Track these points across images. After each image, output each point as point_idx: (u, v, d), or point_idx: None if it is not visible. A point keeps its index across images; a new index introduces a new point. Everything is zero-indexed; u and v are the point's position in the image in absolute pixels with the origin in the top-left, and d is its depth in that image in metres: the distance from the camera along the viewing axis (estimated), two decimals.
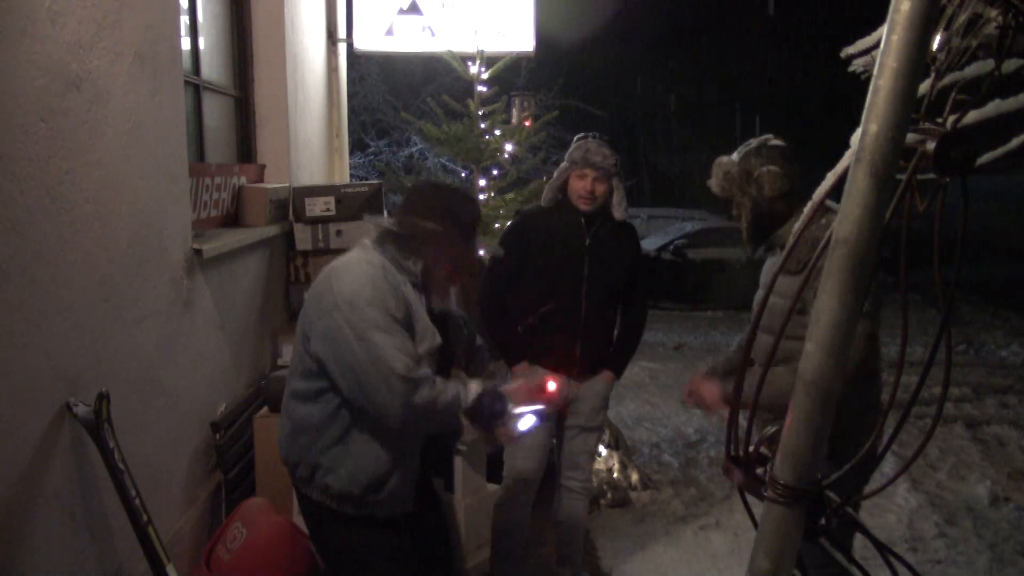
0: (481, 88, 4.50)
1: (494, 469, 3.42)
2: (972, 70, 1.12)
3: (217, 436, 3.08)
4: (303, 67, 4.58)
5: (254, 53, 4.20)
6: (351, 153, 7.59)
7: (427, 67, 12.40)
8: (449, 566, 2.44)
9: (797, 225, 1.48)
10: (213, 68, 3.86)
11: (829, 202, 2.01)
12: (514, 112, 4.84)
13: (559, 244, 3.00)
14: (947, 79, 1.12)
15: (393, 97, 12.95)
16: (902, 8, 1.00)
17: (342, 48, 5.43)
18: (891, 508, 4.11)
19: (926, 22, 1.00)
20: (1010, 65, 1.09)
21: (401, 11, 5.10)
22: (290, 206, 4.07)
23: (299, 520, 2.93)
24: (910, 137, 1.07)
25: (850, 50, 1.34)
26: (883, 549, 1.23)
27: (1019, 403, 6.16)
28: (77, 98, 2.14)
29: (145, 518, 2.23)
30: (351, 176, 6.72)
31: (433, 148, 4.61)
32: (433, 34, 5.07)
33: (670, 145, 22.78)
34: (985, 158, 1.16)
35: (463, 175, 5.08)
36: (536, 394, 2.15)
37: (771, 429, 1.28)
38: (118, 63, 2.37)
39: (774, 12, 19.62)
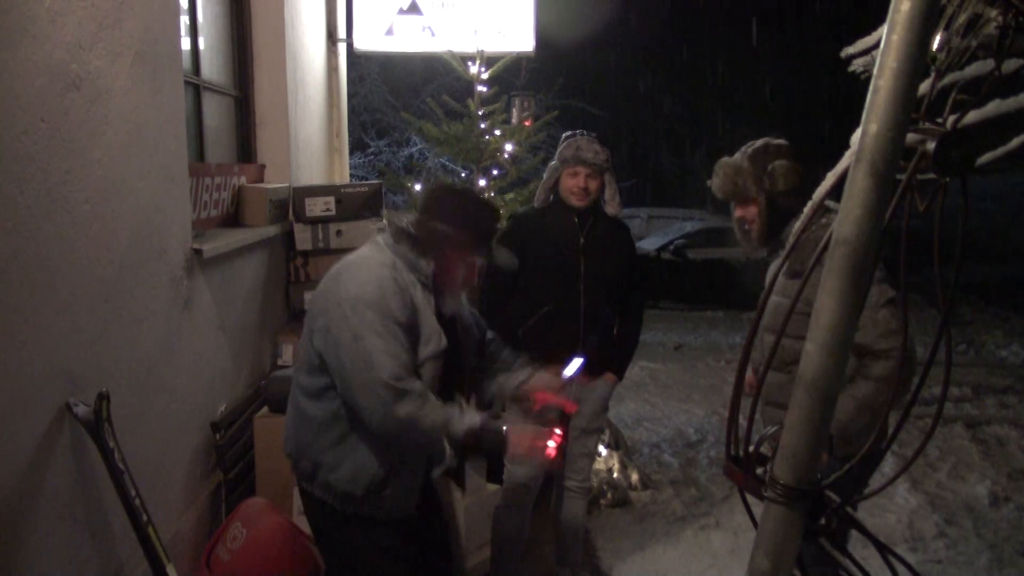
0: (481, 88, 4.50)
1: (494, 469, 3.42)
2: (972, 70, 1.12)
3: (217, 436, 3.08)
4: (303, 67, 4.58)
5: (254, 53, 4.20)
6: (351, 153, 7.59)
7: (427, 67, 12.40)
8: (448, 570, 2.43)
9: (797, 225, 1.48)
10: (213, 68, 3.86)
11: (829, 202, 2.01)
12: (514, 112, 4.84)
13: (554, 245, 3.01)
14: (947, 79, 1.12)
15: (393, 97, 12.96)
16: (902, 8, 1.00)
17: (342, 48, 5.43)
18: (891, 508, 4.11)
19: (926, 22, 1.00)
20: (1010, 65, 1.09)
21: (401, 11, 5.10)
22: (290, 206, 4.07)
23: (299, 520, 2.94)
24: (910, 137, 1.07)
25: (850, 50, 1.34)
26: (883, 549, 1.23)
27: (1019, 403, 6.16)
28: (77, 98, 2.14)
29: (145, 518, 2.23)
30: (351, 176, 6.72)
31: (433, 148, 4.61)
32: (433, 34, 5.07)
33: (670, 145, 22.77)
34: (985, 158, 1.16)
35: (463, 175, 5.08)
36: (537, 447, 2.08)
37: (771, 429, 1.29)
38: (118, 63, 2.37)
39: (774, 11, 19.62)
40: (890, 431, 1.28)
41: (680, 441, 5.20)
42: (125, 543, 2.34)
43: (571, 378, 2.31)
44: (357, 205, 4.06)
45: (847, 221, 1.06)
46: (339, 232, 4.01)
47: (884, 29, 1.03)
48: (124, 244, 2.41)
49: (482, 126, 4.44)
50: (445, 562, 2.42)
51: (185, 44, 3.31)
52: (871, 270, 1.07)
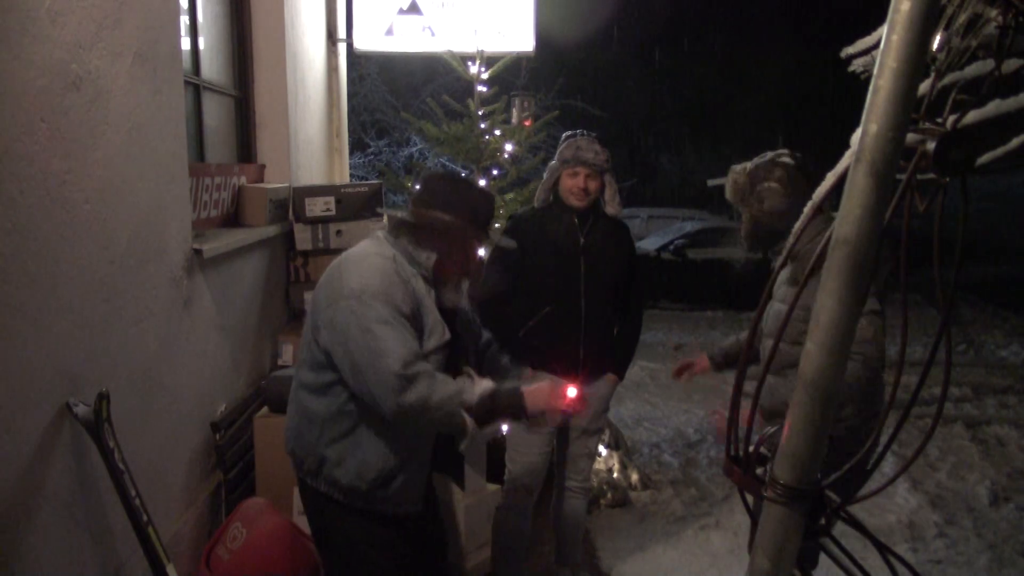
0: (481, 88, 4.50)
1: (494, 469, 3.42)
2: (972, 70, 1.12)
3: (217, 436, 3.08)
4: (303, 67, 4.58)
5: (254, 53, 4.20)
6: (351, 153, 7.59)
7: (427, 67, 12.40)
8: (444, 568, 2.44)
9: (797, 225, 1.48)
10: (213, 68, 3.86)
11: (834, 212, 2.03)
12: (514, 112, 4.83)
13: (554, 246, 3.00)
14: (947, 79, 1.12)
15: (393, 97, 12.96)
16: (902, 8, 1.00)
17: (342, 48, 5.42)
18: (891, 508, 4.11)
19: (926, 22, 1.00)
20: (1010, 65, 1.09)
21: (401, 11, 5.10)
22: (290, 206, 4.07)
23: (299, 520, 2.94)
24: (910, 137, 1.07)
25: (850, 50, 1.34)
26: (883, 549, 1.23)
27: (1019, 403, 6.16)
28: (77, 98, 2.14)
29: (145, 518, 2.23)
30: (351, 176, 6.72)
31: (433, 148, 4.60)
32: (433, 34, 5.06)
33: (670, 145, 22.76)
34: (985, 158, 1.16)
35: (463, 175, 5.08)
36: (555, 400, 2.08)
37: (771, 429, 1.29)
38: (118, 63, 2.37)
39: (775, 8, 19.64)
40: (890, 431, 1.28)
41: (680, 441, 5.20)
42: (125, 543, 2.34)
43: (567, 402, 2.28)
44: (357, 205, 4.06)
45: (847, 221, 1.06)
46: (339, 232, 4.01)
47: (884, 29, 1.03)
48: (124, 244, 2.41)
49: (482, 126, 4.43)
50: (441, 560, 2.42)
51: (185, 44, 3.31)
52: (871, 270, 1.07)
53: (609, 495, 4.12)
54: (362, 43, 5.18)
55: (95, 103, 2.23)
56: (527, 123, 4.76)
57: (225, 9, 4.02)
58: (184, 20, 3.36)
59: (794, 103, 19.71)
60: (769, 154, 2.55)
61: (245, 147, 4.19)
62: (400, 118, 9.60)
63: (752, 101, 20.30)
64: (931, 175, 1.09)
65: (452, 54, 4.55)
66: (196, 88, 3.57)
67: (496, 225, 4.32)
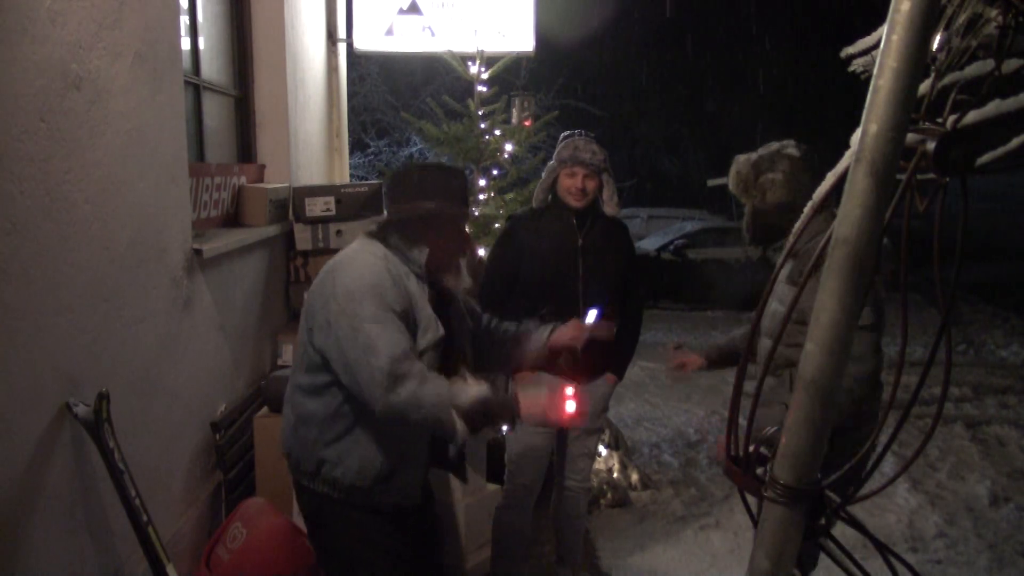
0: (481, 88, 4.50)
1: (494, 469, 3.42)
2: (972, 70, 1.12)
3: (217, 436, 3.08)
4: (303, 67, 4.58)
5: (254, 53, 4.20)
6: (351, 153, 7.59)
7: (427, 67, 12.41)
8: (439, 565, 2.44)
9: (798, 224, 1.48)
10: (213, 68, 3.86)
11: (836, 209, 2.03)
12: (514, 112, 4.83)
13: (552, 246, 3.00)
14: (947, 79, 1.12)
15: (393, 97, 12.96)
16: (902, 8, 1.00)
17: (342, 48, 5.43)
18: (891, 508, 4.11)
19: (926, 22, 1.00)
20: (1010, 65, 1.09)
21: (401, 11, 5.10)
22: (290, 206, 4.07)
23: (299, 520, 2.93)
24: (910, 137, 1.07)
25: (850, 50, 1.34)
26: (883, 549, 1.23)
27: (1019, 403, 6.15)
28: (77, 98, 2.14)
29: (145, 518, 2.23)
30: (351, 176, 6.72)
31: (433, 148, 4.59)
32: (433, 34, 5.07)
33: (670, 145, 22.76)
34: (985, 158, 1.16)
35: (467, 182, 5.08)
36: (552, 412, 2.03)
37: (771, 429, 1.29)
38: (118, 63, 2.37)
39: (775, 11, 19.63)
40: (890, 431, 1.28)
41: (680, 441, 5.20)
42: (125, 543, 2.34)
43: (591, 326, 2.30)
44: (357, 205, 4.06)
45: (847, 221, 1.06)
46: (339, 232, 4.01)
47: (884, 29, 1.03)
48: (124, 244, 2.41)
49: (482, 126, 4.43)
50: (437, 558, 2.42)
51: (185, 44, 3.31)
52: (871, 270, 1.07)
53: (609, 495, 4.12)
54: (362, 43, 5.18)
55: (95, 103, 2.23)
56: (527, 123, 4.76)
57: (225, 9, 4.02)
58: (184, 20, 3.36)
59: (794, 103, 19.72)
60: (775, 145, 2.50)
61: (245, 147, 4.19)
62: (400, 118, 9.60)
63: (752, 101, 20.30)
64: (931, 175, 1.09)
65: (452, 54, 4.55)
66: (196, 88, 3.57)
67: (496, 226, 4.32)
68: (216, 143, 3.86)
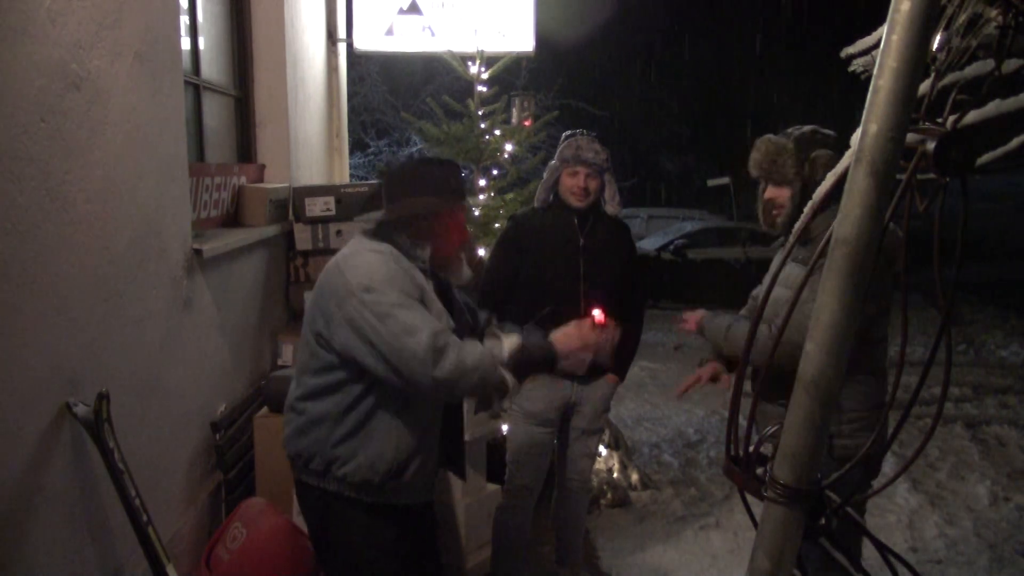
0: (481, 88, 4.50)
1: (495, 469, 3.42)
2: (972, 70, 1.12)
3: (217, 436, 3.08)
4: (303, 67, 4.58)
5: (254, 53, 4.20)
6: (351, 153, 7.58)
7: (427, 67, 12.40)
8: (439, 565, 2.44)
9: (797, 225, 1.48)
10: (213, 68, 3.86)
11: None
12: (514, 112, 4.83)
13: (554, 245, 3.00)
14: (947, 79, 1.12)
15: (393, 97, 12.96)
16: (902, 8, 1.00)
17: (342, 48, 5.42)
18: (891, 508, 4.11)
19: (926, 22, 1.00)
20: (1010, 65, 1.09)
21: (401, 11, 5.10)
22: (290, 206, 4.07)
23: (299, 520, 2.93)
24: (910, 137, 1.07)
25: (850, 50, 1.34)
26: (883, 549, 1.23)
27: (1019, 403, 6.16)
28: (77, 98, 2.14)
29: (145, 518, 2.23)
30: (351, 176, 6.71)
31: (433, 148, 4.59)
32: (433, 34, 5.06)
33: (670, 145, 22.76)
34: (985, 158, 1.16)
35: (463, 175, 5.08)
36: (586, 335, 2.09)
37: (771, 429, 1.29)
38: (118, 63, 2.37)
39: (776, 11, 19.64)
40: (890, 431, 1.28)
41: (680, 441, 5.20)
42: (125, 543, 2.34)
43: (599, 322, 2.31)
44: (357, 205, 4.06)
45: (847, 221, 1.06)
46: (339, 232, 4.01)
47: (884, 29, 1.03)
48: (124, 244, 2.41)
49: (482, 126, 4.43)
50: (437, 557, 2.42)
51: (185, 44, 3.31)
52: (871, 270, 1.07)
53: (609, 495, 4.12)
54: (362, 43, 5.18)
55: (95, 103, 2.23)
56: (527, 123, 4.76)
57: (225, 9, 4.02)
58: (184, 20, 3.36)
59: (794, 103, 19.72)
60: (805, 127, 2.43)
61: (245, 147, 4.19)
62: (400, 118, 9.59)
63: (752, 101, 20.30)
64: (931, 175, 1.09)
65: (452, 54, 4.55)
66: (196, 88, 3.57)
67: (496, 226, 4.33)
68: (216, 143, 3.86)
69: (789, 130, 2.45)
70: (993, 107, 1.14)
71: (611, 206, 3.05)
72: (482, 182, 4.50)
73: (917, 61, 1.01)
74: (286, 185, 4.09)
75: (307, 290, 4.05)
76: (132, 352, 2.47)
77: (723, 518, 4.00)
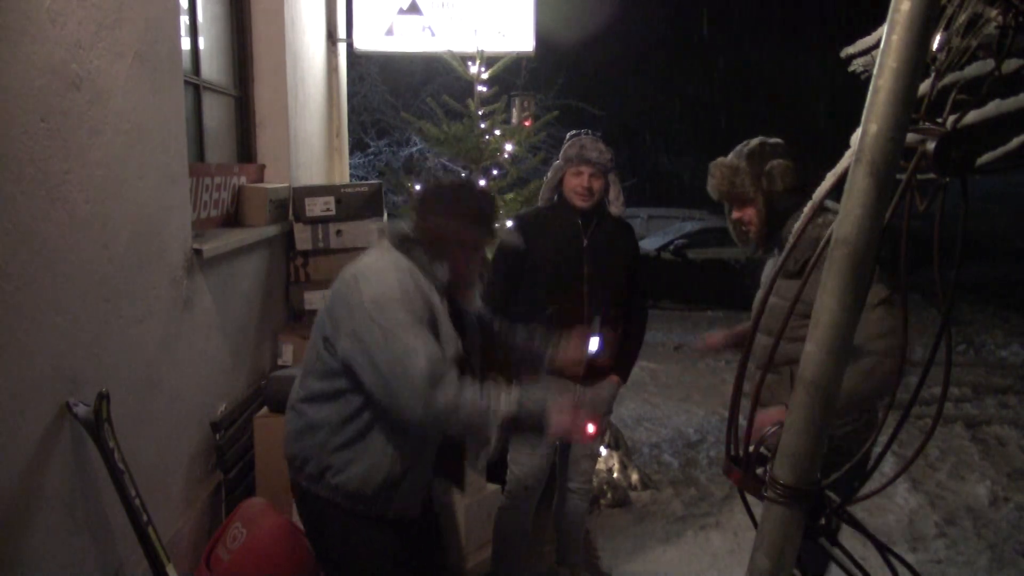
0: (481, 88, 4.50)
1: (495, 469, 3.42)
2: (972, 70, 1.12)
3: (217, 436, 3.08)
4: (303, 67, 4.58)
5: (254, 53, 4.20)
6: (351, 153, 7.59)
7: (427, 67, 12.39)
8: (438, 566, 2.44)
9: (797, 225, 1.48)
10: (213, 68, 3.86)
11: (828, 202, 2.01)
12: (514, 112, 4.83)
13: (557, 246, 2.99)
14: (947, 79, 1.12)
15: (393, 97, 12.94)
16: (902, 8, 1.00)
17: (342, 48, 5.42)
18: (891, 508, 4.11)
19: (926, 22, 1.00)
20: (1010, 65, 1.09)
21: (401, 11, 5.10)
22: (290, 206, 4.07)
23: (299, 520, 2.93)
24: (910, 137, 1.07)
25: (850, 50, 1.34)
26: (883, 549, 1.23)
27: (1019, 403, 6.16)
28: (77, 98, 2.14)
29: (145, 518, 2.23)
30: (351, 176, 6.72)
31: (433, 148, 4.60)
32: (433, 34, 5.06)
33: (670, 145, 22.77)
34: (985, 158, 1.16)
35: (463, 175, 5.08)
36: (575, 431, 2.07)
37: (771, 429, 1.29)
38: (118, 63, 2.37)
39: (775, 11, 19.64)
40: (890, 431, 1.28)
41: (680, 441, 5.20)
42: (125, 543, 2.34)
43: (593, 355, 2.36)
44: (357, 205, 4.06)
45: (847, 221, 1.06)
46: (339, 232, 4.01)
47: (884, 29, 1.03)
48: (124, 244, 2.41)
49: (482, 126, 4.43)
50: (438, 563, 2.43)
51: (185, 44, 3.31)
52: (871, 270, 1.07)
53: (609, 495, 4.12)
54: (362, 43, 5.18)
55: (95, 103, 2.23)
56: (527, 123, 4.76)
57: (225, 9, 4.02)
58: (184, 20, 3.36)
59: (794, 103, 19.72)
60: (752, 141, 2.43)
61: (245, 147, 4.19)
62: (400, 118, 9.60)
63: (752, 101, 20.30)
64: (931, 175, 1.09)
65: (452, 54, 4.55)
66: (196, 88, 3.57)
67: (496, 226, 4.32)
68: (216, 143, 3.86)
69: (738, 148, 2.45)
70: (993, 107, 1.14)
71: (615, 206, 3.05)
72: (482, 182, 4.50)
73: (917, 61, 1.01)
74: (286, 185, 4.09)
75: (307, 290, 4.05)
76: (132, 352, 2.47)
77: (723, 518, 4.00)
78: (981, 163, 1.14)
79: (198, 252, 2.93)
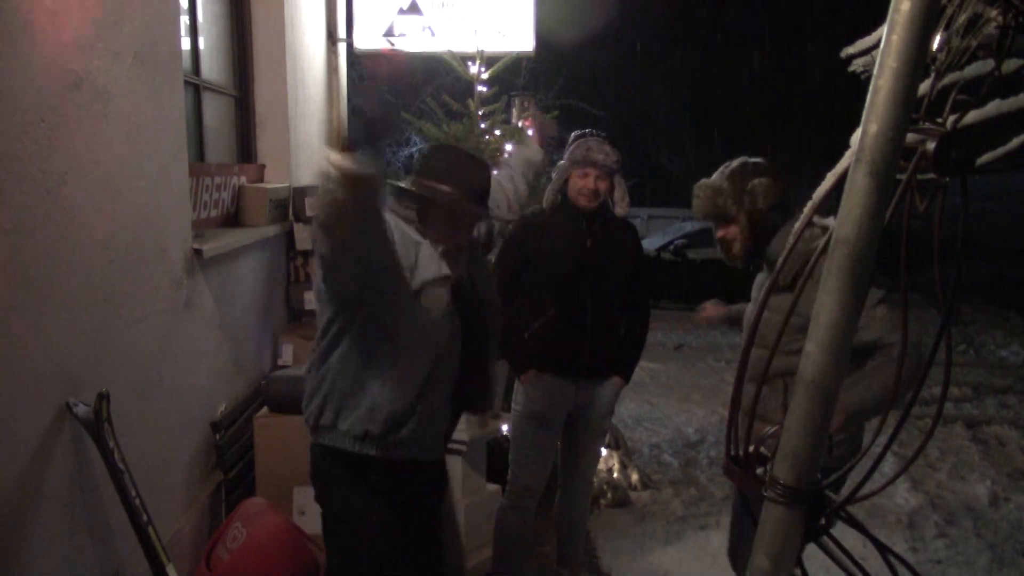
0: (481, 88, 4.49)
1: (495, 469, 3.42)
2: (972, 70, 1.12)
3: (217, 436, 3.08)
4: (303, 67, 4.58)
5: (254, 53, 4.20)
6: None
7: (427, 67, 12.39)
8: (440, 562, 2.43)
9: (798, 225, 1.48)
10: (213, 68, 3.86)
11: (816, 218, 2.03)
12: (514, 112, 4.82)
13: (561, 247, 2.99)
14: (947, 79, 1.12)
15: (393, 97, 12.93)
16: (902, 8, 1.00)
17: (342, 48, 5.42)
18: (891, 508, 4.11)
19: (926, 22, 1.00)
20: (1010, 65, 1.09)
21: (401, 11, 5.10)
22: (290, 206, 4.07)
23: (299, 520, 2.94)
24: (910, 137, 1.07)
25: (850, 50, 1.33)
26: (883, 549, 1.23)
27: (1019, 403, 6.16)
28: (77, 98, 2.14)
29: (145, 518, 2.23)
30: None
31: None
32: (433, 34, 5.06)
33: (670, 145, 22.76)
34: (985, 158, 1.16)
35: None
36: None
37: (771, 429, 1.29)
38: (118, 63, 2.37)
39: (775, 11, 19.64)
40: (890, 431, 1.28)
41: (680, 441, 5.20)
42: (125, 543, 2.34)
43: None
44: None
45: (847, 221, 1.06)
46: None
47: (884, 29, 1.03)
48: (124, 244, 2.41)
49: (482, 126, 4.43)
50: (439, 552, 2.42)
51: (185, 44, 3.31)
52: (871, 270, 1.07)
53: (609, 495, 4.12)
54: (362, 43, 5.17)
55: (95, 103, 2.23)
56: (527, 123, 4.75)
57: (225, 9, 4.02)
58: (184, 20, 3.36)
59: (794, 103, 19.71)
60: (733, 162, 2.50)
61: (245, 147, 4.18)
62: (400, 118, 9.58)
63: (752, 101, 20.30)
64: (931, 175, 1.09)
65: (452, 54, 4.55)
66: (196, 88, 3.57)
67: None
68: (216, 143, 3.86)
69: (721, 168, 2.52)
70: (993, 107, 1.13)
71: (620, 208, 3.04)
72: None
73: (917, 61, 1.01)
74: (286, 185, 4.09)
75: (307, 290, 4.05)
76: (132, 352, 2.47)
77: (723, 518, 4.00)
78: (981, 163, 1.14)
79: (198, 252, 2.93)
